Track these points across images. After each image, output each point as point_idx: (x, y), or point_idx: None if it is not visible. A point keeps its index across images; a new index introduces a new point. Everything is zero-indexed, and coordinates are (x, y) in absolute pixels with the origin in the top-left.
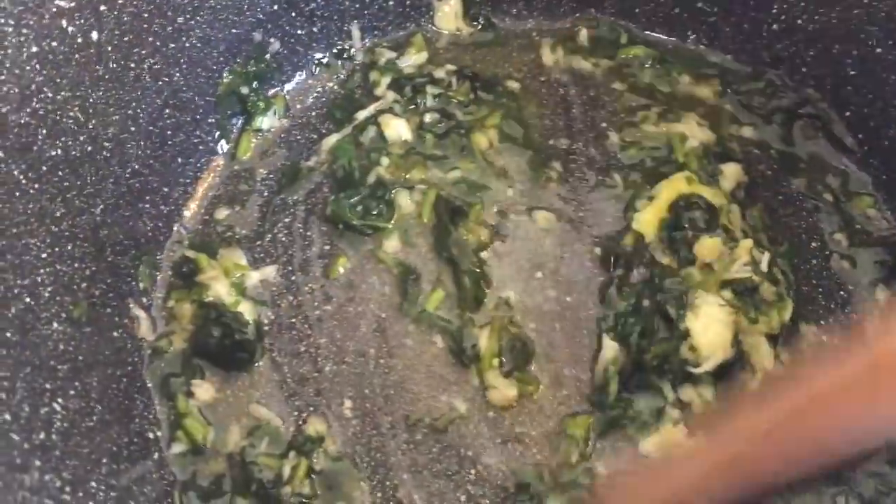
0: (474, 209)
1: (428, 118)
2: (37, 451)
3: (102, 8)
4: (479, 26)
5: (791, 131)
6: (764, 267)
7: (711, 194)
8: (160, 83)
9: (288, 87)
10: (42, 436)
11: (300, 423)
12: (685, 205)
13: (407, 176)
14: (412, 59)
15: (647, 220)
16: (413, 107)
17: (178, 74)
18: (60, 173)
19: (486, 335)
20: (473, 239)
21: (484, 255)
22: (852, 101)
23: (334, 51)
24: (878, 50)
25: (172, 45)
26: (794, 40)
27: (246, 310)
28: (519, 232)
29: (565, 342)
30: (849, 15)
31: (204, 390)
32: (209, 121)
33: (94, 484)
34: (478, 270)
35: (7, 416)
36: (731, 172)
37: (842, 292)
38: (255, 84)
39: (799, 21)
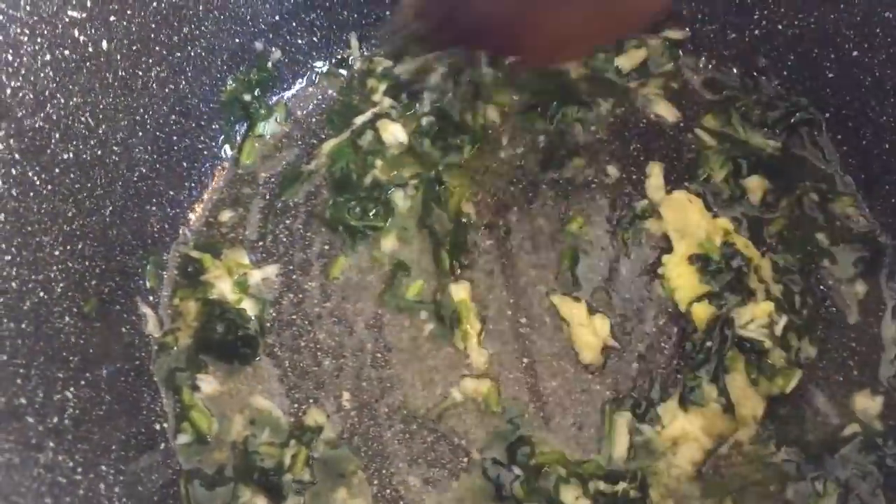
0: (457, 192)
1: (424, 122)
2: (51, 433)
3: (112, 19)
4: None
5: (788, 141)
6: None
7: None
8: (167, 90)
9: (289, 94)
10: (55, 420)
11: (300, 414)
12: None
13: (400, 173)
14: (407, 67)
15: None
16: (410, 112)
17: (183, 82)
18: (72, 175)
19: (463, 289)
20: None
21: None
22: (831, 104)
23: (333, 60)
24: (855, 53)
25: (178, 54)
26: (775, 45)
27: (248, 307)
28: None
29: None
30: (826, 20)
31: (208, 384)
32: (213, 127)
33: (104, 468)
34: (457, 235)
35: (23, 400)
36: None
37: (821, 287)
38: (257, 91)
39: (779, 26)
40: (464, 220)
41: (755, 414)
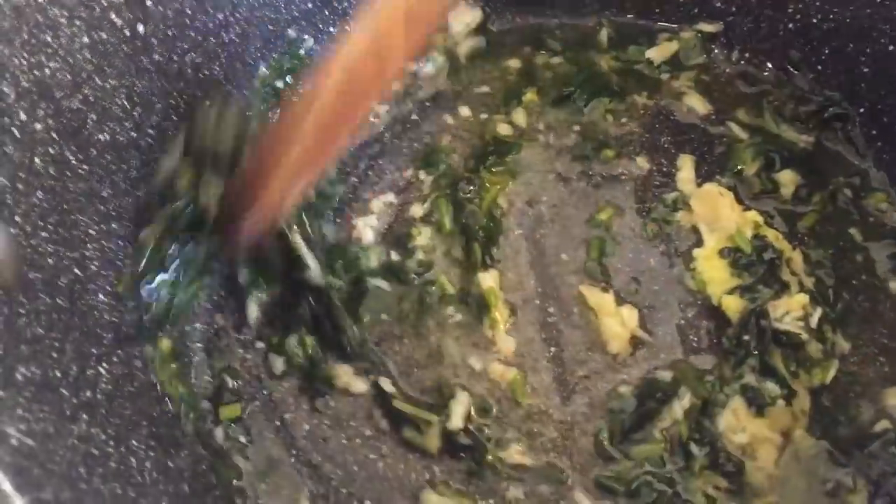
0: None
1: None
2: (84, 406)
3: (149, 3)
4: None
5: (821, 135)
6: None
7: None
8: (200, 76)
9: None
10: (89, 394)
11: None
12: None
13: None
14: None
15: None
16: None
17: (217, 68)
18: (108, 157)
19: (491, 277)
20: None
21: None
22: (865, 98)
23: None
24: (891, 48)
25: (213, 40)
26: (810, 39)
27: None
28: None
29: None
30: (862, 14)
31: None
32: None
33: (135, 443)
34: (491, 225)
35: (58, 373)
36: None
37: (854, 282)
38: (289, 79)
39: (814, 20)
40: (496, 212)
41: (803, 408)
